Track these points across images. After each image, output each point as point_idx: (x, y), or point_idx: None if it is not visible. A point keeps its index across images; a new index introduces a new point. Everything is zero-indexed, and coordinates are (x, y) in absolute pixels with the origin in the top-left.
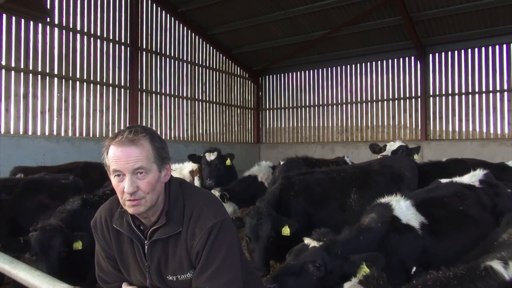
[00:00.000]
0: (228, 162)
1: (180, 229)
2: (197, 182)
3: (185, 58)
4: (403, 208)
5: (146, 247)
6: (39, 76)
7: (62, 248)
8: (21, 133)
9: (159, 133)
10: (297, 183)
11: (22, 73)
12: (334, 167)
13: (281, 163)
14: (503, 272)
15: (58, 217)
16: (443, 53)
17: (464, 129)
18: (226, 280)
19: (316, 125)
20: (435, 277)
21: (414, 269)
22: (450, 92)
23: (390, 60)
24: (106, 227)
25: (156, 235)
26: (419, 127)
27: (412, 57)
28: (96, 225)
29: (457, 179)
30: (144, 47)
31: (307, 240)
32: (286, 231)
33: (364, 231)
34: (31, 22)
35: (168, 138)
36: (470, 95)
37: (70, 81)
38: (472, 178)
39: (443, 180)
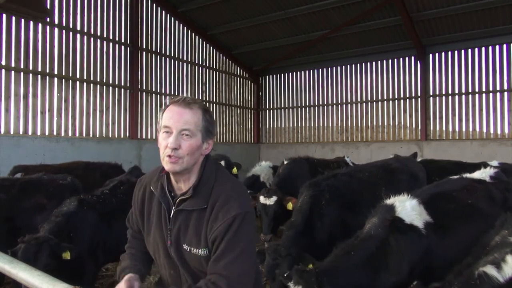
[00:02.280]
0: (234, 170)
1: (204, 206)
2: None
3: (185, 58)
4: (408, 209)
5: (172, 212)
6: (39, 76)
7: (49, 261)
8: (21, 133)
9: None
10: (326, 190)
11: (22, 73)
12: (354, 167)
13: (285, 162)
14: (497, 276)
15: (53, 221)
16: (443, 53)
17: (464, 129)
18: (243, 270)
19: (316, 125)
20: None
21: (414, 283)
22: (450, 92)
23: (390, 60)
24: (144, 188)
25: (182, 205)
26: (419, 127)
27: (412, 57)
28: (139, 183)
29: (468, 175)
30: (144, 47)
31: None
32: None
33: (356, 247)
34: (31, 22)
35: None
36: (470, 95)
37: (70, 81)
38: (483, 174)
39: (454, 177)
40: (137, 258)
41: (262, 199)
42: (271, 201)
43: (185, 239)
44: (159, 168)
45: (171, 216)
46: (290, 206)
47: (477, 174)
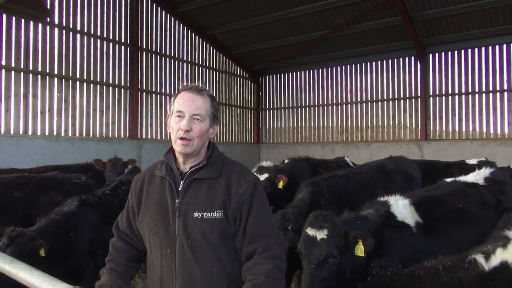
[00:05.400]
0: None
1: (216, 176)
2: None
3: (185, 58)
4: (400, 207)
5: (181, 186)
6: (39, 76)
7: (17, 256)
8: (21, 133)
9: (159, 133)
10: (326, 190)
11: (22, 73)
12: (351, 169)
13: (286, 161)
14: (484, 264)
15: (51, 219)
16: (443, 53)
17: (464, 129)
18: (275, 223)
19: (316, 125)
20: (426, 267)
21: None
22: (450, 92)
23: (390, 60)
24: (142, 179)
25: (196, 175)
26: (419, 127)
27: (412, 57)
28: (136, 177)
29: (462, 177)
30: (144, 47)
31: (311, 232)
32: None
33: (361, 219)
34: (31, 22)
35: (168, 138)
36: (470, 95)
37: (70, 81)
38: (477, 176)
39: (448, 180)
40: (116, 273)
41: None
42: (261, 177)
43: (197, 206)
44: (159, 161)
45: (179, 189)
46: (280, 184)
47: (471, 177)
